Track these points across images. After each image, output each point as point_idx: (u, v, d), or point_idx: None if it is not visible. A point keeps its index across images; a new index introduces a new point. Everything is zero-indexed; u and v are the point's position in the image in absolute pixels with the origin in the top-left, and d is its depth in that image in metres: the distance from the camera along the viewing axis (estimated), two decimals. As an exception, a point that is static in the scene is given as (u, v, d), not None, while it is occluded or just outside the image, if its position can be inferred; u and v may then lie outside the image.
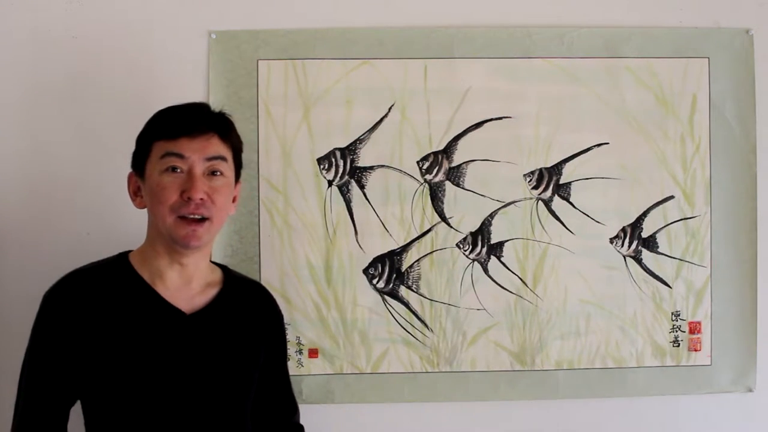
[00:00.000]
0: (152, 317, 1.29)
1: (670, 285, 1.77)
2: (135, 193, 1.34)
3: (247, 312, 1.42)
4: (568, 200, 1.75)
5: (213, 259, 1.67)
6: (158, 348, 1.28)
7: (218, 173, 1.31)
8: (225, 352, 1.35)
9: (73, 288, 1.30)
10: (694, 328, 1.78)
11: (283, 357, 1.53)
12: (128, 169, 1.37)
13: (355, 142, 1.72)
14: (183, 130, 1.29)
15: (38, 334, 1.30)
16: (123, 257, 1.35)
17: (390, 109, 1.72)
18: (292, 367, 1.70)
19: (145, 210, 1.34)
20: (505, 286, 1.75)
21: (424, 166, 1.73)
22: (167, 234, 1.28)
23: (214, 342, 1.34)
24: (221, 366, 1.34)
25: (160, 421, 1.27)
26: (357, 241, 1.72)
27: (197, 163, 1.28)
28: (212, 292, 1.37)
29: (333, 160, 1.71)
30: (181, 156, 1.27)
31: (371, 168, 1.72)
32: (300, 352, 1.71)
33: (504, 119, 1.74)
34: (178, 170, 1.27)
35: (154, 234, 1.32)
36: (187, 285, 1.34)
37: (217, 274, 1.41)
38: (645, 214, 1.77)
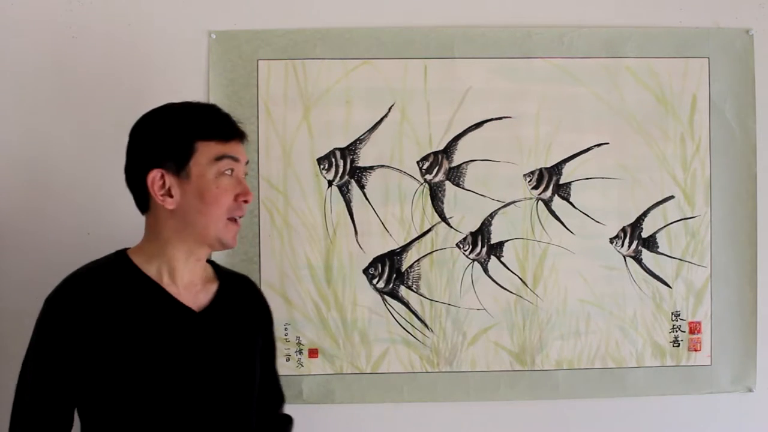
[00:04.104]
0: (164, 316, 1.28)
1: (670, 285, 1.77)
2: (168, 193, 1.27)
3: (244, 305, 1.43)
4: (568, 200, 1.75)
5: (213, 260, 1.68)
6: (174, 347, 1.27)
7: (245, 176, 1.35)
8: (233, 346, 1.36)
9: (78, 290, 1.26)
10: (694, 328, 1.78)
11: (273, 348, 1.53)
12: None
13: (355, 142, 1.72)
14: (234, 133, 1.31)
15: (42, 340, 1.24)
16: (123, 256, 1.32)
17: (390, 109, 1.72)
18: (292, 367, 1.71)
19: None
20: (505, 286, 1.75)
21: (424, 166, 1.73)
22: (215, 235, 1.28)
23: (222, 338, 1.34)
24: (232, 361, 1.35)
25: (178, 421, 1.25)
26: (357, 241, 1.72)
27: (242, 167, 1.32)
28: (212, 289, 1.37)
29: (333, 160, 1.71)
30: (237, 159, 1.30)
31: (371, 168, 1.72)
32: (300, 352, 1.71)
33: (504, 119, 1.74)
34: (231, 173, 1.30)
35: (175, 232, 1.28)
36: (192, 283, 1.33)
37: (210, 270, 1.41)
38: (645, 214, 1.77)
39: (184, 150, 1.27)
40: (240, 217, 1.32)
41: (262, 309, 1.49)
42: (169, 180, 1.26)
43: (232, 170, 1.30)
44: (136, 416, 1.23)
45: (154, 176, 1.26)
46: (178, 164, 1.26)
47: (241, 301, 1.42)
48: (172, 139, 1.27)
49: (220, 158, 1.27)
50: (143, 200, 1.31)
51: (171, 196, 1.26)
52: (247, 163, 1.34)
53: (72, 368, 1.23)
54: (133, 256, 1.31)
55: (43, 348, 1.24)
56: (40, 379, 1.23)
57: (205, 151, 1.27)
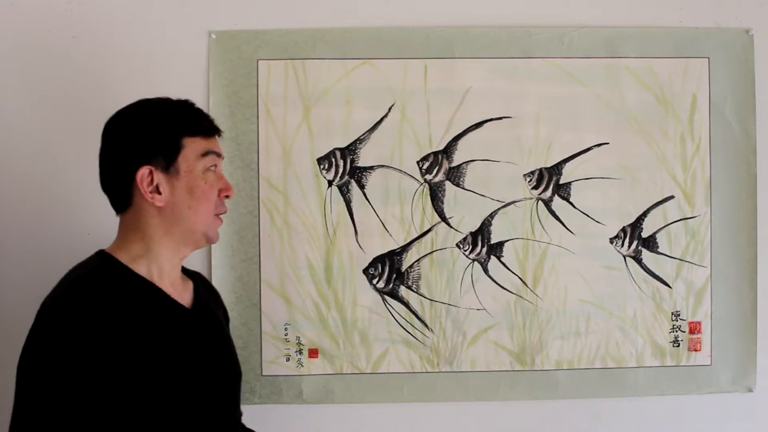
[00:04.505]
0: (166, 316, 1.25)
1: (670, 285, 1.77)
2: (156, 190, 1.24)
3: (212, 298, 1.45)
4: (568, 200, 1.75)
5: (214, 261, 1.69)
6: (181, 346, 1.25)
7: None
8: (224, 340, 1.38)
9: (88, 297, 1.16)
10: (694, 328, 1.78)
11: None
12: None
13: (355, 142, 1.72)
14: (214, 129, 1.32)
15: (62, 353, 1.12)
16: (109, 257, 1.25)
17: (390, 109, 1.72)
18: (292, 367, 1.71)
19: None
20: (505, 286, 1.75)
21: (424, 166, 1.73)
22: (203, 231, 1.28)
23: (213, 333, 1.35)
24: (227, 354, 1.37)
25: (190, 420, 1.23)
26: (357, 241, 1.72)
27: (221, 163, 1.33)
28: (189, 286, 1.36)
29: (333, 160, 1.71)
30: (219, 155, 1.31)
31: (371, 168, 1.72)
32: (300, 352, 1.71)
33: (504, 119, 1.74)
34: (215, 169, 1.30)
35: (162, 230, 1.25)
36: (176, 281, 1.32)
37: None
38: (645, 214, 1.77)
39: (172, 146, 1.25)
40: (223, 213, 1.33)
41: (223, 304, 1.52)
42: (158, 177, 1.24)
43: (215, 166, 1.30)
44: (150, 419, 1.18)
45: (143, 173, 1.23)
46: (167, 160, 1.24)
47: (210, 297, 1.44)
48: (160, 136, 1.25)
49: (206, 154, 1.27)
50: (124, 199, 1.26)
51: (159, 193, 1.24)
52: (222, 158, 1.35)
53: (94, 381, 1.13)
54: (118, 257, 1.25)
55: (63, 361, 1.12)
56: (65, 396, 1.12)
57: (192, 147, 1.26)
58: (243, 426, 1.45)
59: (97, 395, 1.13)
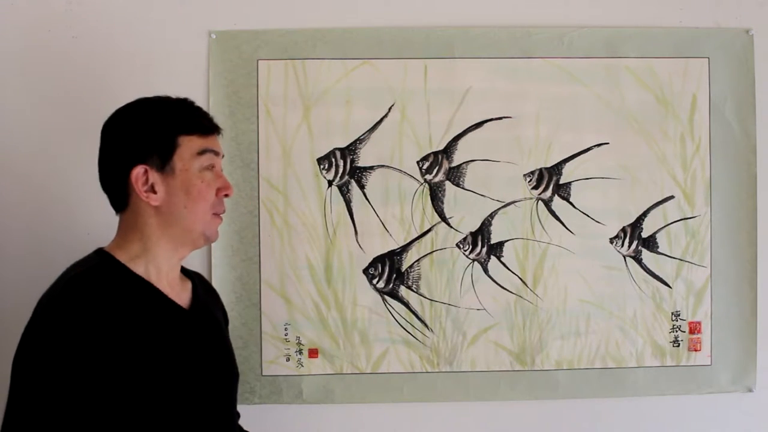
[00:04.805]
0: (164, 317, 1.25)
1: (670, 285, 1.77)
2: (152, 189, 1.24)
3: (212, 301, 1.45)
4: (568, 200, 1.75)
5: (214, 260, 1.69)
6: (178, 347, 1.24)
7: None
8: (222, 340, 1.39)
9: (86, 297, 1.16)
10: (694, 328, 1.78)
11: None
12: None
13: (355, 142, 1.72)
14: (213, 127, 1.31)
15: (60, 353, 1.11)
16: (108, 256, 1.25)
17: (390, 109, 1.72)
18: (292, 367, 1.71)
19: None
20: (505, 286, 1.75)
21: (424, 166, 1.73)
22: (201, 230, 1.27)
23: (210, 333, 1.35)
24: (224, 355, 1.37)
25: (187, 421, 1.23)
26: (357, 241, 1.72)
27: (220, 161, 1.32)
28: (188, 287, 1.36)
29: (333, 160, 1.71)
30: (217, 153, 1.30)
31: (371, 168, 1.72)
32: (300, 352, 1.71)
33: (504, 119, 1.74)
34: (212, 167, 1.29)
35: (159, 229, 1.25)
36: (175, 281, 1.32)
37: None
38: (645, 214, 1.77)
39: (167, 145, 1.24)
40: (222, 213, 1.31)
41: (222, 304, 1.52)
42: (153, 176, 1.24)
43: (214, 165, 1.29)
44: (145, 418, 1.18)
45: (138, 172, 1.23)
46: (162, 159, 1.24)
47: (209, 297, 1.44)
48: (155, 134, 1.25)
49: (202, 152, 1.27)
50: (121, 198, 1.26)
51: (155, 193, 1.24)
52: (222, 157, 1.34)
53: (88, 379, 1.13)
54: (116, 256, 1.25)
55: (58, 358, 1.12)
56: (58, 394, 1.12)
57: (188, 145, 1.26)
58: (239, 427, 1.45)
59: (92, 394, 1.13)
